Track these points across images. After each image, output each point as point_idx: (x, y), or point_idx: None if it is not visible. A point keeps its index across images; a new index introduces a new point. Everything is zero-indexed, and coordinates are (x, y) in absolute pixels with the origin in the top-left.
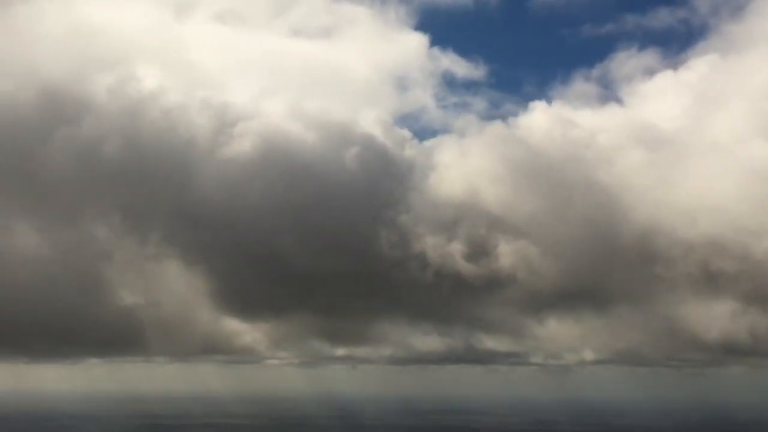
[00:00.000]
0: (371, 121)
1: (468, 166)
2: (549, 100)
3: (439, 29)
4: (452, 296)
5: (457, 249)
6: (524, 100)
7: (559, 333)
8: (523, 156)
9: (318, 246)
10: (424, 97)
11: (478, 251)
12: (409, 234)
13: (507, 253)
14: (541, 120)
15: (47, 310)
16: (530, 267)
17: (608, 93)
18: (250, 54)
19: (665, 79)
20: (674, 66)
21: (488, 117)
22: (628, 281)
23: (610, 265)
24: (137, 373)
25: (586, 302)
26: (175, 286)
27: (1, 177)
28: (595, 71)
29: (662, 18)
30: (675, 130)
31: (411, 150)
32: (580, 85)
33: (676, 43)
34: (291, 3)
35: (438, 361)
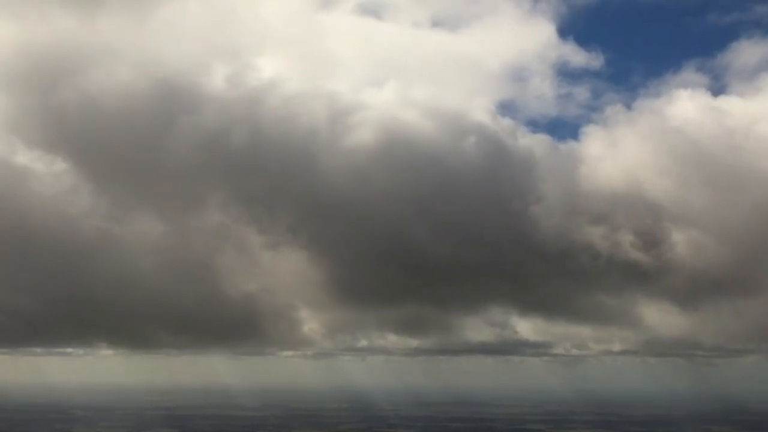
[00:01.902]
0: (484, 110)
1: (620, 155)
2: (689, 89)
3: (566, 19)
4: (613, 286)
5: (626, 239)
6: (650, 89)
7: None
8: (680, 146)
9: (446, 236)
10: (542, 87)
11: (649, 241)
12: (550, 224)
13: (681, 242)
14: (688, 109)
15: (168, 299)
16: (705, 256)
17: (745, 82)
18: (378, 45)
19: None
20: None
21: (625, 107)
22: None
23: None
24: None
25: (738, 291)
26: (292, 276)
27: (123, 166)
28: (722, 60)
29: None
30: None
31: (525, 138)
32: (709, 74)
33: None
34: None
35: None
